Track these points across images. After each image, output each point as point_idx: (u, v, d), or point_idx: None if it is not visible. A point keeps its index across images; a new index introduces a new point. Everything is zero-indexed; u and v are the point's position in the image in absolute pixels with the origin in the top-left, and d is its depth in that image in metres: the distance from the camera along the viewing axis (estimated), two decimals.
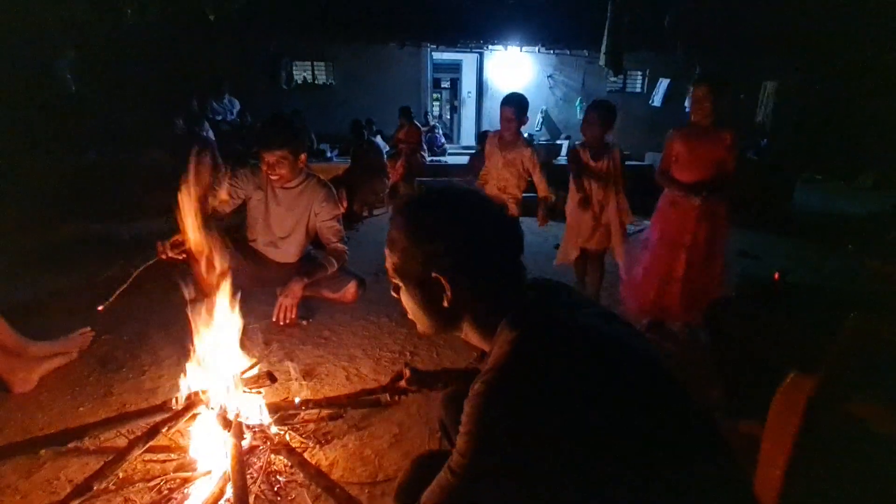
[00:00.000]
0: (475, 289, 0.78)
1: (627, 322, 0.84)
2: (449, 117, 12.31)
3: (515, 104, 2.69)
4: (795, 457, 1.24)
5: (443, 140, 8.38)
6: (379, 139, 6.25)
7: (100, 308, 1.73)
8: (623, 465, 0.64)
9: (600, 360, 0.69)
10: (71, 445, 1.56)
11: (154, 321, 2.56)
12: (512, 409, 0.64)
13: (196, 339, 1.65)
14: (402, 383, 1.22)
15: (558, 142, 8.76)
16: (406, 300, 0.84)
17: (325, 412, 1.81)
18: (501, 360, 0.69)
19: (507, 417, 0.64)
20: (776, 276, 1.94)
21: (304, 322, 2.60)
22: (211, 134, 5.81)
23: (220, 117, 7.18)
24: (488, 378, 0.67)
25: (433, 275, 0.77)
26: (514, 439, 0.63)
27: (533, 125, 9.60)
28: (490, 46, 9.61)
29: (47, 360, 2.07)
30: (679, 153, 2.49)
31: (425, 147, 6.85)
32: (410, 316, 0.86)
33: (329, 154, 6.90)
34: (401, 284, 0.83)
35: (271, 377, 1.76)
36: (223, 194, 2.32)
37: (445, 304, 0.78)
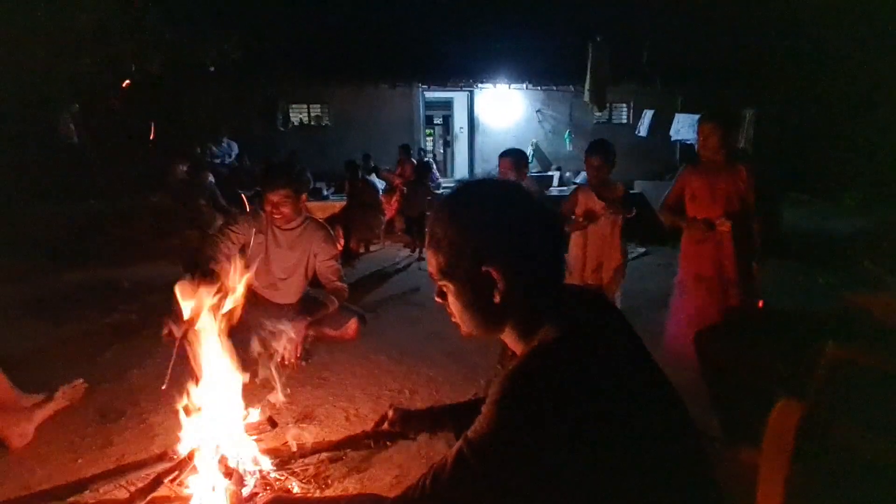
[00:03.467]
0: (526, 282, 0.74)
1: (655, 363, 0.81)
2: (442, 152, 12.64)
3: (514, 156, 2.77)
4: (793, 480, 1.25)
5: (437, 175, 8.57)
6: (374, 177, 6.39)
7: (163, 388, 1.83)
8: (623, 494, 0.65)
9: (629, 394, 0.69)
10: (70, 500, 1.55)
11: (153, 368, 2.56)
12: (542, 389, 0.64)
13: (196, 387, 1.67)
14: (386, 426, 1.13)
15: (549, 173, 9.02)
16: (453, 302, 0.79)
17: (324, 455, 1.80)
18: (545, 345, 0.69)
19: (538, 396, 0.63)
20: (759, 303, 1.98)
21: (304, 363, 2.61)
22: (211, 178, 5.95)
23: (218, 160, 7.35)
24: (528, 356, 0.69)
25: (484, 269, 0.73)
26: (538, 421, 0.62)
27: None
28: (480, 84, 10.00)
29: (39, 409, 2.05)
30: (697, 191, 2.40)
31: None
32: (457, 318, 0.81)
33: (325, 192, 7.03)
34: (449, 285, 0.78)
35: (272, 422, 1.77)
36: (225, 242, 2.39)
37: (497, 299, 0.74)
